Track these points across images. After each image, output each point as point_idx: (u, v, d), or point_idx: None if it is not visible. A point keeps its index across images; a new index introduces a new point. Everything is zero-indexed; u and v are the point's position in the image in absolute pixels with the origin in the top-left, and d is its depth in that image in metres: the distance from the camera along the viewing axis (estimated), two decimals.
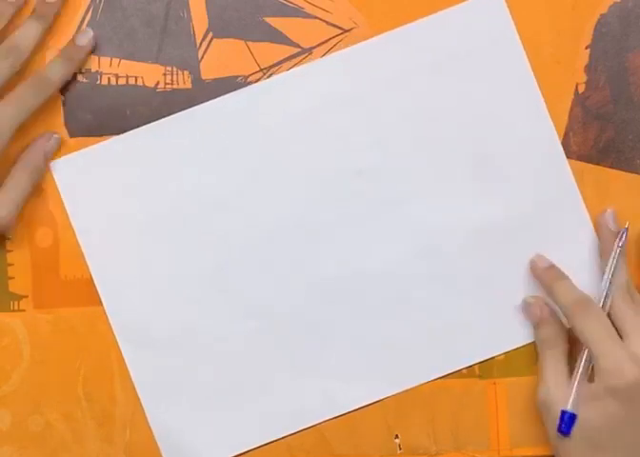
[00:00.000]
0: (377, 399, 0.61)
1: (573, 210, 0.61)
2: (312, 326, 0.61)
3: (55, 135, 0.60)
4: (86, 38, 0.59)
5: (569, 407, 0.55)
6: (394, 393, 0.61)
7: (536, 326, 0.60)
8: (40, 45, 0.59)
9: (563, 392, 0.57)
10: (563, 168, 0.61)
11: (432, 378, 0.61)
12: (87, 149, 0.60)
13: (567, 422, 0.55)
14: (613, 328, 0.56)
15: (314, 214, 0.60)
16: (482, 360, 0.61)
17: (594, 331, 0.56)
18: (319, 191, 0.61)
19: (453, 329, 0.61)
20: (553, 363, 0.58)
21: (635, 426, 0.55)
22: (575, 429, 0.55)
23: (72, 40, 0.59)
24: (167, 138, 0.60)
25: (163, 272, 0.60)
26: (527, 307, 0.60)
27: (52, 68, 0.59)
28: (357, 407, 0.61)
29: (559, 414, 0.56)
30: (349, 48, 0.60)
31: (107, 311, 0.60)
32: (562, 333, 0.59)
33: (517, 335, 0.61)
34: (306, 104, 0.60)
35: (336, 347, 0.61)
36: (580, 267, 0.61)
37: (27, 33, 0.58)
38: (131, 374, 0.60)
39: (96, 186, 0.60)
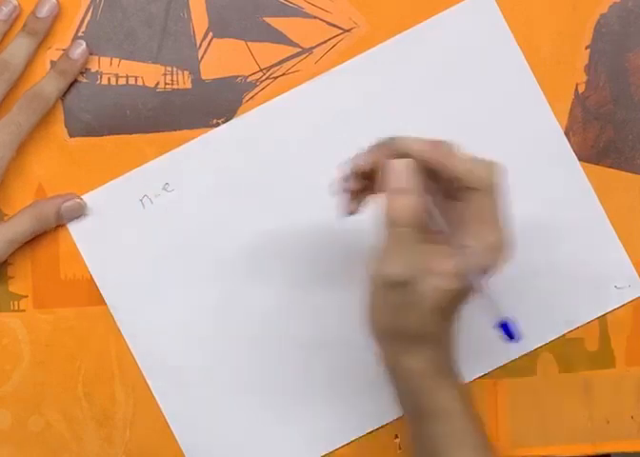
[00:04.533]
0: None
1: (588, 207, 0.61)
2: (337, 344, 0.61)
3: (77, 199, 0.60)
4: (78, 50, 0.59)
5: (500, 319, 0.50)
6: None
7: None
8: (41, 44, 0.59)
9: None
10: (573, 165, 0.61)
11: None
12: (94, 192, 0.60)
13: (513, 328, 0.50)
14: None
15: (330, 229, 0.60)
16: (506, 362, 0.61)
17: None
18: (335, 206, 0.61)
19: (472, 336, 0.61)
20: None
21: None
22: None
23: (66, 53, 0.59)
24: (179, 167, 0.60)
25: (179, 301, 0.61)
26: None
27: (47, 84, 0.58)
28: (388, 421, 0.61)
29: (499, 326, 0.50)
30: (345, 62, 0.60)
31: (131, 348, 0.61)
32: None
33: (533, 337, 0.61)
34: (308, 120, 0.61)
35: (362, 362, 0.60)
36: (597, 262, 0.61)
37: (18, 50, 0.58)
38: (161, 406, 0.61)
39: (107, 225, 0.60)
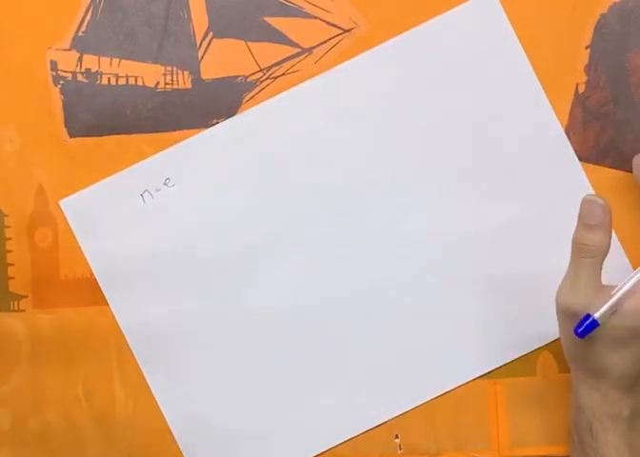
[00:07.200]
0: (405, 410, 0.61)
1: None
2: (336, 342, 0.61)
3: None
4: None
5: (596, 315, 0.52)
6: (421, 403, 0.61)
7: (588, 228, 0.54)
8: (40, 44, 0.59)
9: (592, 298, 0.53)
10: (574, 164, 0.61)
11: (455, 386, 0.61)
12: (94, 186, 0.61)
13: (587, 327, 0.52)
14: None
15: (330, 229, 0.61)
16: (505, 362, 0.61)
17: None
18: (334, 205, 0.61)
19: (472, 336, 0.61)
20: (590, 269, 0.54)
21: None
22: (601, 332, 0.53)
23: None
24: (180, 162, 0.61)
25: (178, 297, 0.61)
26: (588, 206, 0.55)
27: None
28: (387, 419, 0.61)
29: (582, 317, 0.53)
30: (348, 61, 0.60)
31: (131, 347, 0.61)
32: (608, 243, 0.55)
33: (533, 337, 0.61)
34: (308, 120, 0.61)
35: (361, 360, 0.61)
36: None
37: None
38: (160, 406, 0.61)
39: (107, 219, 0.61)
